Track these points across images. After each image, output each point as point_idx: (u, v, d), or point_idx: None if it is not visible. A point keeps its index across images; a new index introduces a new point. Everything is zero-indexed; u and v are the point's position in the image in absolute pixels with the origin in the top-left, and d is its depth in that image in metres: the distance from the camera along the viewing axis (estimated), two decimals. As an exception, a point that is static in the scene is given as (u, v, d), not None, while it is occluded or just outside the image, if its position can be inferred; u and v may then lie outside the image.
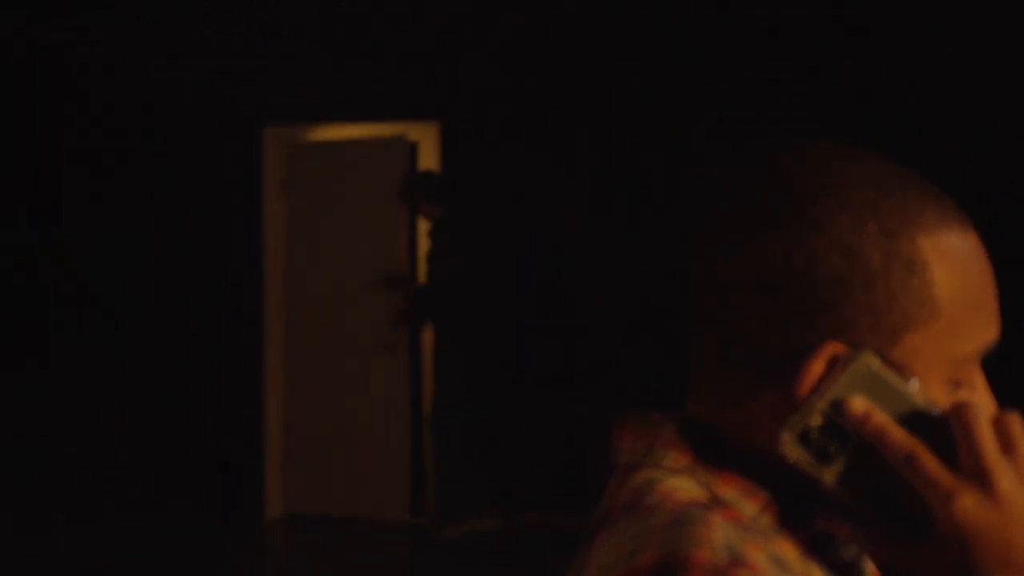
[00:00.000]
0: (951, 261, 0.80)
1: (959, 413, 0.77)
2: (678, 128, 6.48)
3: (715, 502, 0.80)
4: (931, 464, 0.76)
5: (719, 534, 0.74)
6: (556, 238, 6.59)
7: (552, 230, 6.61)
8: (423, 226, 6.50)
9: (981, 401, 0.84)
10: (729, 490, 0.82)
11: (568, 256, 6.56)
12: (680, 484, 0.82)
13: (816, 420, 0.79)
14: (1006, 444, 0.77)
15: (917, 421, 0.79)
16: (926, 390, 0.80)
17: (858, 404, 0.78)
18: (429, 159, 6.81)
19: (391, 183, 6.76)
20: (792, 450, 0.79)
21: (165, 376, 6.73)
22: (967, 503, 0.75)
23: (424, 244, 6.76)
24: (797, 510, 0.83)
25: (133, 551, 6.05)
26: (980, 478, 0.75)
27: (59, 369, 6.70)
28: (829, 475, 0.79)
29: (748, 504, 0.82)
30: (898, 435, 0.77)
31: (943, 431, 0.78)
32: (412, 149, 6.87)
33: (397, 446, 6.72)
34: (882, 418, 0.78)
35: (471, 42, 6.72)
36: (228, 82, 6.75)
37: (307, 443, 6.85)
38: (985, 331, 0.82)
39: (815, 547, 0.83)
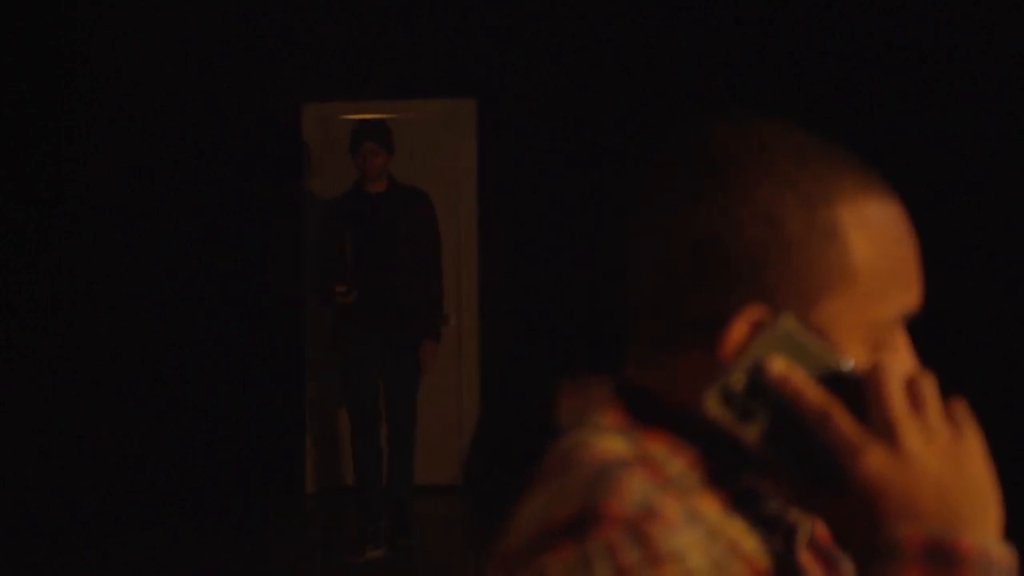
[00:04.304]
0: (870, 229, 0.84)
1: (872, 373, 0.80)
2: (718, 107, 6.47)
3: (642, 460, 0.84)
4: (843, 422, 0.80)
5: (635, 489, 0.78)
6: (595, 213, 6.61)
7: (590, 206, 6.63)
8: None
9: (900, 363, 0.87)
10: (658, 447, 0.86)
11: (607, 238, 6.57)
12: (609, 442, 0.85)
13: (739, 380, 0.83)
14: (916, 403, 0.80)
15: (834, 381, 0.82)
16: (846, 352, 0.83)
17: (777, 364, 0.82)
18: (467, 137, 6.84)
19: (431, 160, 6.81)
20: (715, 409, 0.83)
21: (208, 355, 6.82)
22: (874, 459, 0.78)
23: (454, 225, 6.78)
24: (724, 466, 0.87)
25: (181, 524, 6.19)
26: (888, 435, 0.78)
27: (107, 346, 6.82)
28: (751, 433, 0.83)
29: (675, 461, 0.86)
30: (814, 394, 0.81)
31: (859, 391, 0.81)
32: (453, 125, 6.90)
33: (441, 418, 6.80)
34: (800, 378, 0.81)
35: (509, 19, 6.74)
36: (267, 58, 6.82)
37: (344, 419, 6.94)
38: (905, 297, 0.85)
39: (741, 502, 0.87)
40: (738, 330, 0.83)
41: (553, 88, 6.70)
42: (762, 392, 0.82)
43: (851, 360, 0.83)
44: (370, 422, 5.56)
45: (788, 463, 0.83)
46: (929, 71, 6.29)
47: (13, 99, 6.78)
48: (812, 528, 0.94)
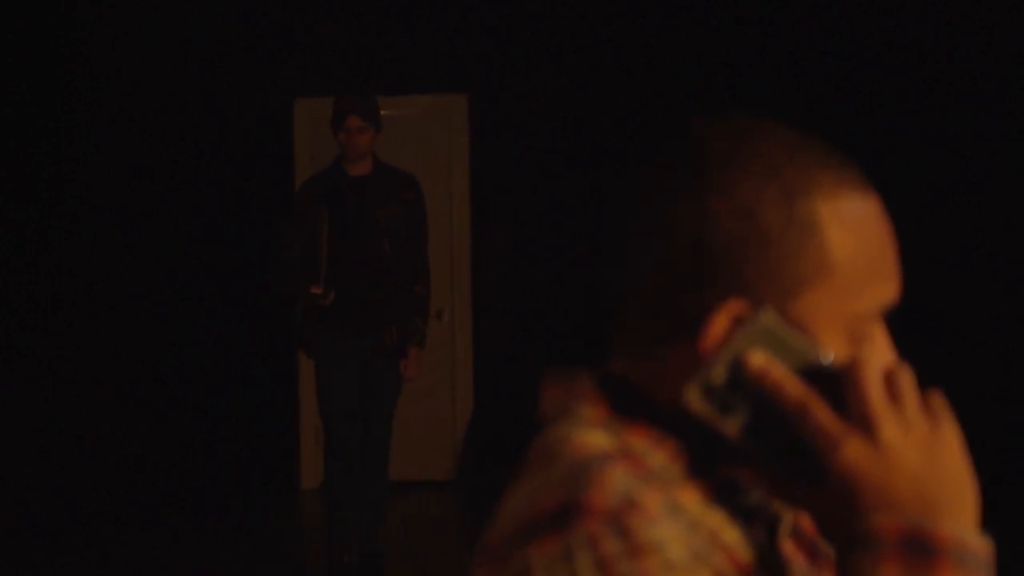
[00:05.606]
0: (848, 224, 0.84)
1: (851, 366, 0.81)
2: (712, 105, 6.48)
3: (624, 452, 0.85)
4: (822, 414, 0.81)
5: (616, 481, 0.79)
6: (588, 209, 6.62)
7: (583, 201, 6.63)
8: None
9: (878, 356, 0.88)
10: (639, 440, 0.87)
11: (601, 234, 6.58)
12: (591, 436, 0.86)
13: (719, 374, 0.84)
14: (894, 396, 0.81)
15: (813, 374, 0.83)
16: (825, 345, 0.84)
17: (756, 358, 0.83)
18: (459, 132, 6.84)
19: (422, 156, 6.81)
20: (696, 403, 0.84)
21: (203, 354, 6.82)
22: (852, 451, 0.79)
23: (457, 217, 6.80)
24: (705, 459, 0.88)
25: (178, 523, 6.20)
26: (866, 427, 0.79)
27: (102, 345, 6.81)
28: (731, 426, 0.84)
29: (657, 454, 0.86)
30: (793, 387, 0.82)
31: (837, 383, 0.82)
32: (446, 120, 6.90)
33: (435, 413, 6.80)
34: (779, 371, 0.82)
35: (500, 14, 6.74)
36: (260, 53, 6.81)
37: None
38: (883, 291, 0.86)
39: (723, 494, 0.87)
40: (718, 324, 0.84)
41: (545, 83, 6.71)
42: (742, 386, 0.83)
43: (830, 353, 0.83)
44: (347, 436, 4.93)
45: (768, 456, 0.84)
46: (929, 71, 6.30)
47: (13, 99, 6.77)
48: (795, 518, 0.95)
